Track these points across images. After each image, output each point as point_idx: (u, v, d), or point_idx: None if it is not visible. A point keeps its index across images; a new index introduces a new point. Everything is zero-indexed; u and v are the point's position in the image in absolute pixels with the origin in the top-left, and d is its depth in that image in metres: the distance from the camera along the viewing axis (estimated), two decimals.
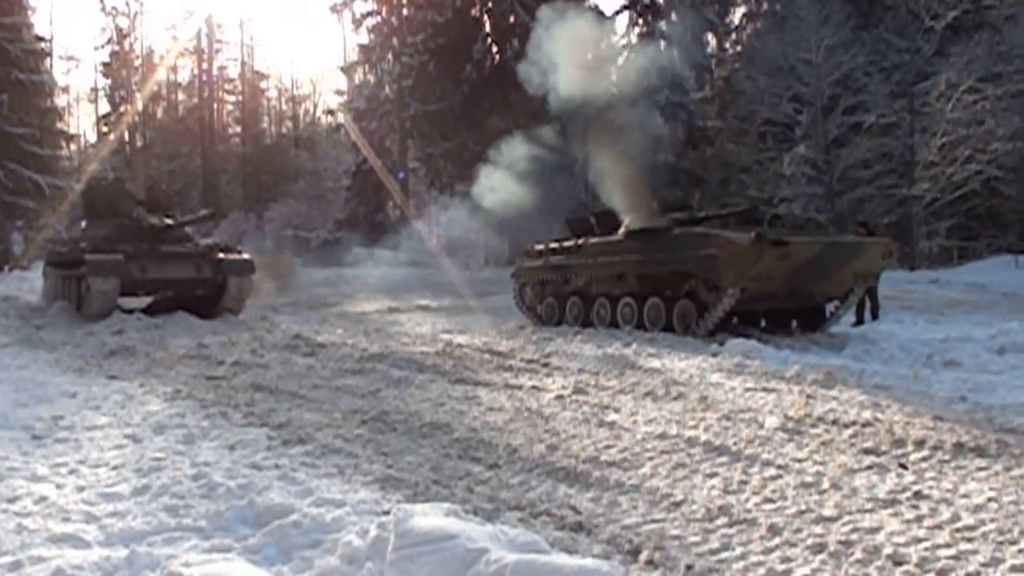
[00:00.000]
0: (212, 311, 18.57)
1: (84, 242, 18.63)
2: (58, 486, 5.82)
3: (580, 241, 16.58)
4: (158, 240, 18.92)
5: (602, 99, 24.35)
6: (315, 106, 72.62)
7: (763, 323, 15.40)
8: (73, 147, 55.14)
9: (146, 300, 19.23)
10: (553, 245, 17.34)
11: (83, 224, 21.55)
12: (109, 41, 63.28)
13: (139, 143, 62.78)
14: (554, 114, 33.23)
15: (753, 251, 12.68)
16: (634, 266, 15.05)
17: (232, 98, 67.93)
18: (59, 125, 47.11)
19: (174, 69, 66.23)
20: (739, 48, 41.85)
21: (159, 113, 66.07)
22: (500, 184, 27.01)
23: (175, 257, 18.65)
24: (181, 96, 68.31)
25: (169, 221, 19.69)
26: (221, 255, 18.80)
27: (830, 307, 15.09)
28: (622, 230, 15.94)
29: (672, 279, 14.40)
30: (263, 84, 70.37)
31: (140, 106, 59.94)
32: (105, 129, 61.99)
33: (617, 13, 46.00)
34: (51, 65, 52.22)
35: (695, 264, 13.76)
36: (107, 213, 19.88)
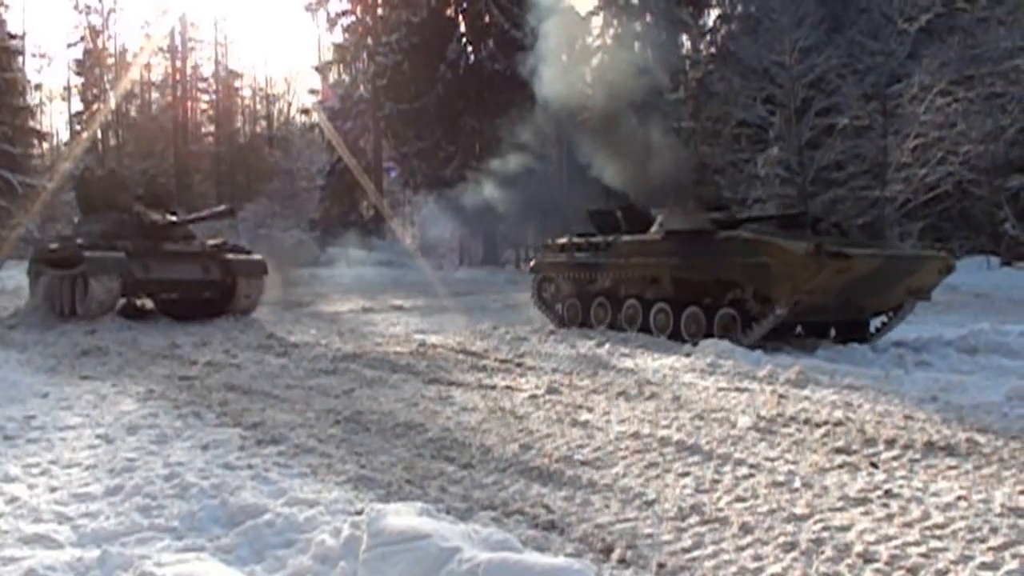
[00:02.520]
0: (219, 315, 17.47)
1: (79, 238, 17.50)
2: (30, 486, 5.79)
3: (610, 238, 15.39)
4: (160, 238, 17.76)
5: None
6: (289, 105, 72.55)
7: (799, 330, 14.33)
8: (46, 145, 54.83)
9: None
10: (578, 240, 16.26)
11: (76, 220, 20.39)
12: (82, 39, 63.00)
13: (112, 142, 62.52)
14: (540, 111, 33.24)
15: (811, 263, 11.69)
16: (671, 270, 13.93)
17: (206, 97, 67.69)
18: (31, 123, 46.91)
19: (148, 67, 65.98)
20: (713, 50, 41.96)
21: (132, 112, 65.80)
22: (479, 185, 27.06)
23: (180, 256, 17.55)
24: (155, 95, 68.03)
25: (172, 218, 18.54)
26: (230, 255, 17.85)
27: (875, 321, 14.07)
28: (655, 227, 14.89)
29: (714, 286, 13.31)
30: (237, 83, 70.10)
31: (113, 104, 59.69)
32: (78, 127, 61.70)
33: (592, 14, 46.10)
34: (23, 62, 52.02)
35: (743, 273, 12.65)
36: (103, 207, 18.59)
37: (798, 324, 13.95)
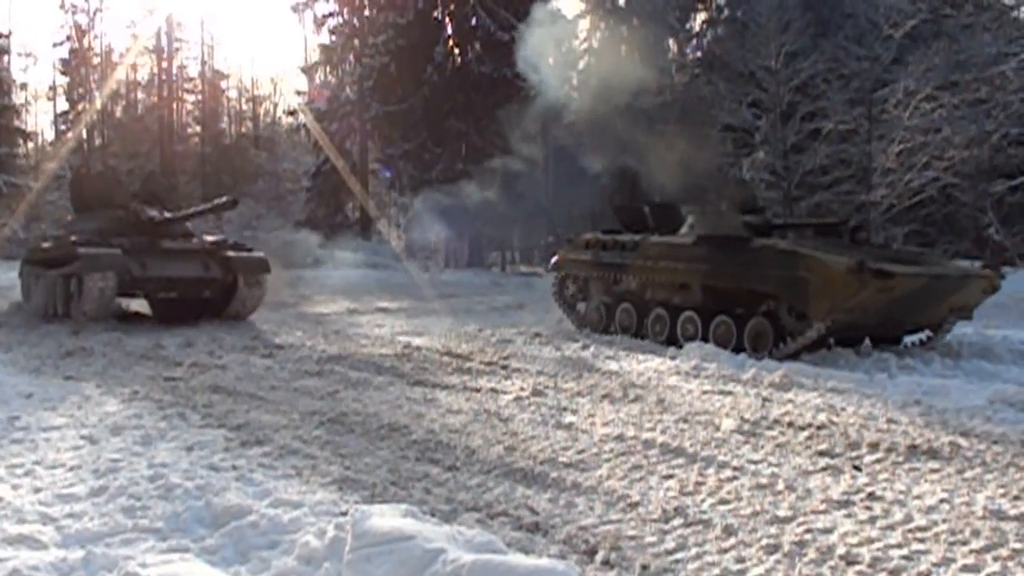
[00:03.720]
0: (219, 315, 16.75)
1: (74, 235, 16.69)
2: (14, 487, 5.78)
3: (637, 238, 14.63)
4: (158, 234, 16.97)
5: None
6: (275, 106, 72.39)
7: (831, 340, 13.07)
8: (31, 145, 54.64)
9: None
10: (604, 237, 15.49)
11: (68, 219, 19.51)
12: (68, 38, 62.73)
13: (97, 142, 62.26)
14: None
15: (852, 281, 11.07)
16: (702, 277, 13.27)
17: (192, 97, 67.43)
18: (16, 123, 46.74)
19: (134, 67, 65.76)
20: (699, 53, 42.04)
21: (118, 112, 65.56)
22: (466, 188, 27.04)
23: (179, 254, 16.72)
24: (140, 95, 67.81)
25: (169, 215, 17.77)
26: (230, 252, 17.02)
27: (914, 337, 13.46)
28: (685, 228, 14.22)
29: (747, 297, 12.68)
30: (223, 83, 69.93)
31: (99, 104, 59.48)
32: (63, 127, 61.47)
33: (579, 17, 46.15)
34: (8, 62, 51.91)
35: (779, 286, 12.03)
36: (97, 206, 17.86)
37: (829, 338, 12.83)
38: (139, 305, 17.94)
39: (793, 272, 11.75)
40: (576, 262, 15.94)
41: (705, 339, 12.84)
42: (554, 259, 17.03)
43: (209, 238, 18.28)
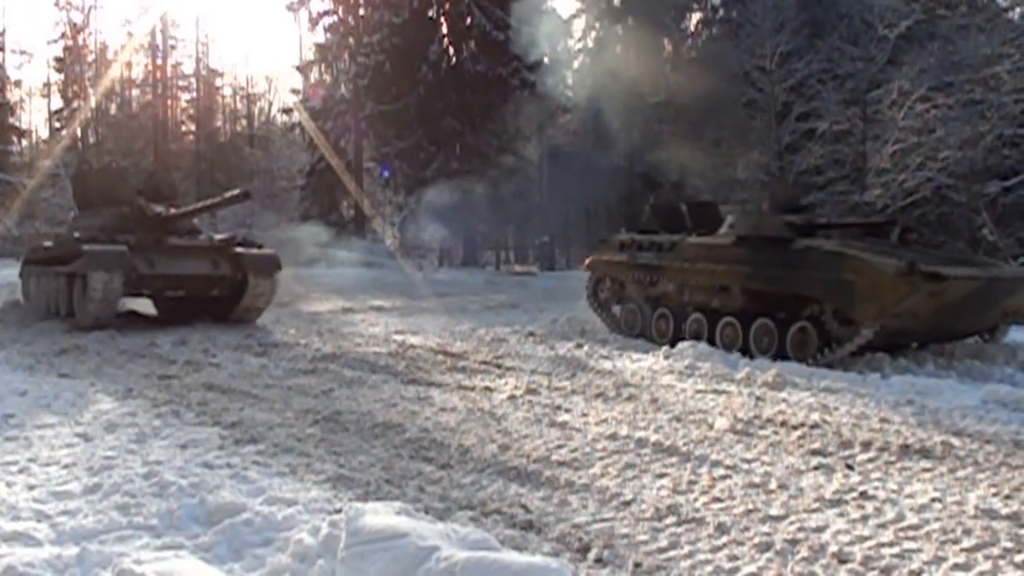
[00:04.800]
0: (227, 315, 16.18)
1: (77, 232, 16.25)
2: (8, 485, 5.79)
3: (675, 238, 14.02)
4: (164, 231, 16.29)
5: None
6: (270, 105, 72.29)
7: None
8: (25, 143, 54.57)
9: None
10: (640, 238, 14.83)
11: (72, 215, 18.88)
12: (62, 36, 62.54)
13: (92, 139, 62.13)
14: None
15: (902, 284, 10.49)
16: (742, 279, 12.63)
17: (186, 95, 67.37)
18: (10, 120, 46.65)
19: (128, 65, 65.64)
20: (694, 53, 42.06)
21: (112, 109, 65.41)
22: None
23: (186, 251, 16.06)
24: (135, 92, 67.68)
25: (175, 211, 17.09)
26: (240, 249, 16.32)
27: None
28: (724, 228, 13.58)
29: (790, 300, 12.04)
30: (218, 82, 69.81)
31: (93, 102, 59.35)
32: (58, 125, 61.30)
33: (574, 17, 46.19)
34: (3, 59, 51.79)
35: (824, 289, 11.40)
36: (101, 202, 17.10)
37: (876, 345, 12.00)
38: (135, 304, 17.36)
39: (839, 274, 11.17)
40: (610, 263, 15.39)
41: (746, 345, 12.45)
42: (587, 260, 16.44)
43: (217, 235, 17.59)
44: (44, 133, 65.12)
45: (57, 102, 63.52)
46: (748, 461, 6.44)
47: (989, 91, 29.01)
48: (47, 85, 64.76)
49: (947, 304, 10.90)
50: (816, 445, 6.88)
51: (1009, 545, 4.75)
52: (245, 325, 15.95)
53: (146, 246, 15.48)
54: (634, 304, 14.86)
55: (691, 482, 5.92)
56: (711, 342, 12.73)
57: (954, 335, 12.51)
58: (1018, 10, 31.83)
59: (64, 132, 56.66)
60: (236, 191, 17.68)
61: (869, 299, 10.82)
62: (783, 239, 12.24)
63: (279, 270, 16.51)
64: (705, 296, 13.38)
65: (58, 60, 62.92)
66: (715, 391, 9.39)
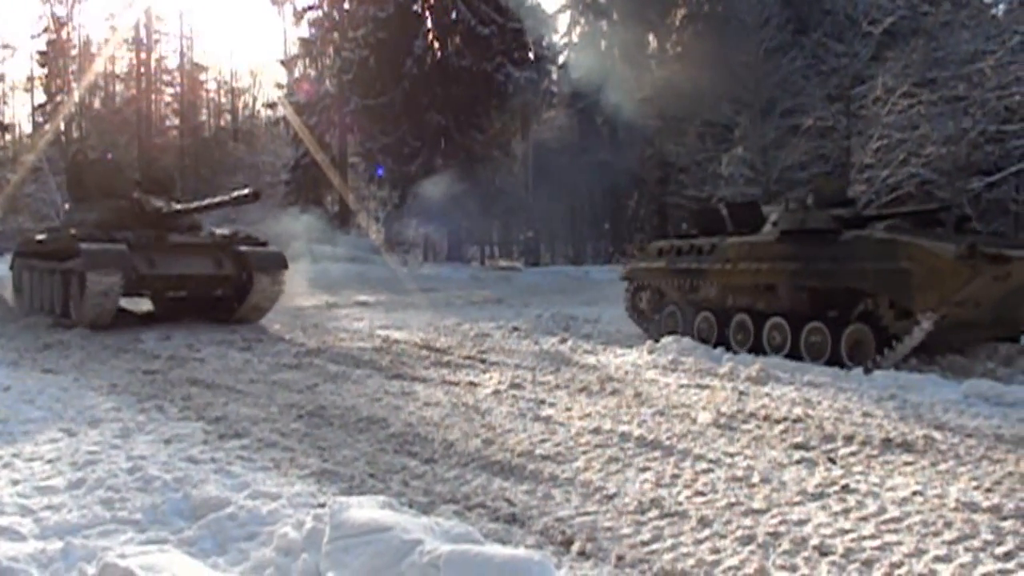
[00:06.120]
0: (230, 316, 15.62)
1: (72, 227, 15.48)
2: None
3: (714, 240, 13.41)
4: (165, 227, 15.67)
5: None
6: (254, 99, 72.12)
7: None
8: (8, 137, 54.35)
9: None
10: (678, 243, 14.31)
11: (66, 207, 18.12)
12: (46, 29, 62.28)
13: (75, 134, 61.88)
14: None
15: (963, 268, 9.81)
16: (789, 277, 11.95)
17: (171, 90, 67.14)
18: None
19: (112, 59, 65.38)
20: (679, 49, 42.12)
21: (96, 103, 65.16)
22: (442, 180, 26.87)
23: (188, 248, 15.36)
24: (119, 87, 67.41)
25: (178, 206, 16.48)
26: (243, 247, 15.67)
27: None
28: (767, 227, 12.95)
29: (841, 297, 11.42)
30: (202, 76, 69.63)
31: (77, 96, 59.10)
32: (41, 119, 61.07)
33: (559, 12, 46.22)
34: None
35: (877, 281, 10.71)
36: (97, 194, 16.47)
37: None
38: (127, 302, 16.22)
39: (893, 264, 10.49)
40: (648, 271, 14.78)
41: (795, 349, 11.72)
42: (625, 269, 15.96)
43: (219, 231, 16.84)
44: (27, 127, 64.86)
45: (40, 96, 63.28)
46: (731, 455, 6.47)
47: (973, 87, 29.14)
48: (30, 79, 64.50)
49: (1013, 290, 10.24)
50: (799, 439, 6.91)
51: (989, 537, 4.78)
52: (228, 322, 15.59)
53: (146, 244, 14.84)
54: (676, 310, 14.18)
55: (674, 476, 5.94)
56: (757, 344, 12.28)
57: (1017, 327, 11.81)
58: (1002, 7, 31.97)
59: (48, 126, 56.46)
60: (245, 191, 16.30)
61: (928, 287, 10.17)
62: (830, 231, 11.59)
63: (286, 269, 15.85)
64: (750, 297, 12.79)
65: (41, 54, 62.67)
66: (698, 385, 9.44)
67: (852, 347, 11.09)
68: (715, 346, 12.55)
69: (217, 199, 17.08)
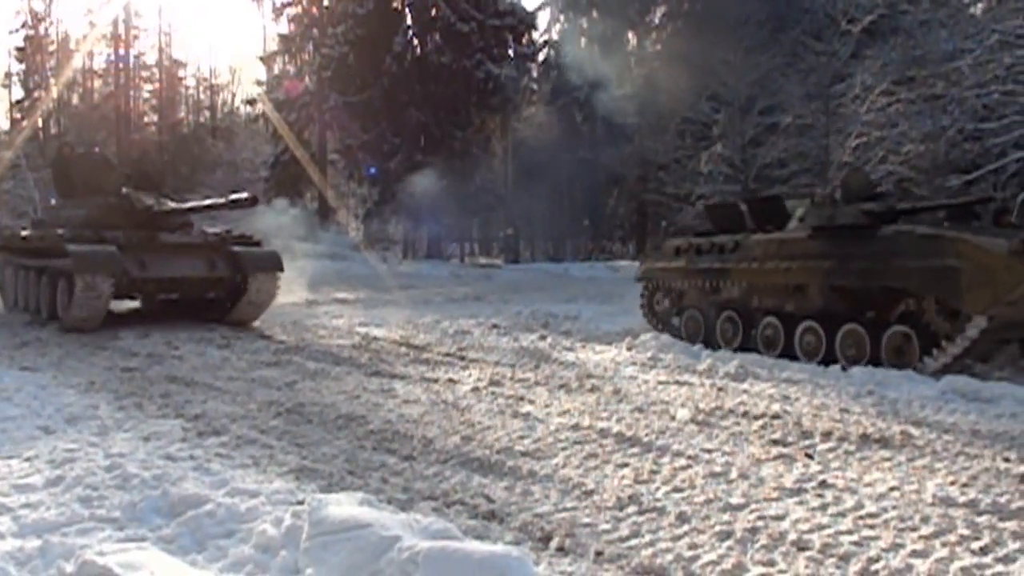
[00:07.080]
0: (223, 317, 15.13)
1: (60, 226, 15.02)
2: None
3: (738, 237, 12.65)
4: (155, 227, 15.06)
5: None
6: (233, 96, 71.89)
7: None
8: None
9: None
10: (697, 241, 13.49)
11: (52, 202, 17.72)
12: (24, 25, 61.95)
13: (53, 130, 61.59)
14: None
15: (1017, 265, 9.20)
16: (823, 276, 11.22)
17: (149, 86, 66.86)
18: None
19: (90, 55, 65.05)
20: (659, 47, 42.19)
21: (74, 100, 64.85)
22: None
23: (180, 249, 14.81)
24: (97, 83, 67.09)
25: (171, 204, 15.93)
26: (236, 247, 15.15)
27: None
28: (793, 223, 12.32)
29: (879, 297, 10.74)
30: (181, 72, 69.38)
31: (55, 92, 58.80)
32: (18, 115, 60.73)
33: (538, 9, 46.20)
34: None
35: (922, 280, 10.05)
36: (84, 190, 15.97)
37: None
38: (112, 302, 14.97)
39: (939, 261, 9.81)
40: (666, 271, 14.04)
41: (830, 354, 11.01)
42: (640, 269, 15.20)
43: (210, 229, 16.33)
44: (4, 124, 64.47)
45: (18, 92, 62.86)
46: (709, 451, 6.49)
47: (951, 86, 29.25)
48: (8, 75, 64.05)
49: None
50: (777, 435, 6.95)
51: (966, 532, 4.81)
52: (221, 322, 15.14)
53: (137, 244, 14.28)
54: (696, 312, 13.41)
55: (653, 472, 5.96)
56: (788, 350, 11.55)
57: None
58: (980, 5, 32.09)
59: (25, 123, 56.10)
60: (244, 195, 15.94)
61: (979, 286, 9.48)
62: (866, 227, 10.95)
63: (281, 271, 15.38)
64: (778, 299, 12.02)
65: (19, 50, 62.24)
66: (677, 382, 9.47)
67: (894, 351, 10.46)
68: (737, 350, 12.00)
69: (212, 201, 16.68)
